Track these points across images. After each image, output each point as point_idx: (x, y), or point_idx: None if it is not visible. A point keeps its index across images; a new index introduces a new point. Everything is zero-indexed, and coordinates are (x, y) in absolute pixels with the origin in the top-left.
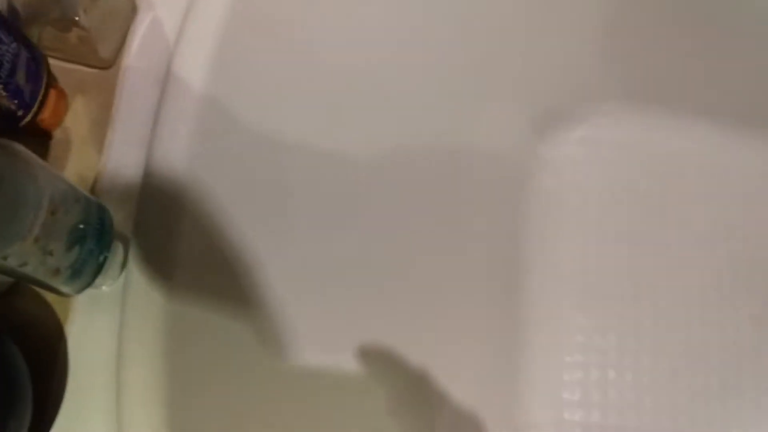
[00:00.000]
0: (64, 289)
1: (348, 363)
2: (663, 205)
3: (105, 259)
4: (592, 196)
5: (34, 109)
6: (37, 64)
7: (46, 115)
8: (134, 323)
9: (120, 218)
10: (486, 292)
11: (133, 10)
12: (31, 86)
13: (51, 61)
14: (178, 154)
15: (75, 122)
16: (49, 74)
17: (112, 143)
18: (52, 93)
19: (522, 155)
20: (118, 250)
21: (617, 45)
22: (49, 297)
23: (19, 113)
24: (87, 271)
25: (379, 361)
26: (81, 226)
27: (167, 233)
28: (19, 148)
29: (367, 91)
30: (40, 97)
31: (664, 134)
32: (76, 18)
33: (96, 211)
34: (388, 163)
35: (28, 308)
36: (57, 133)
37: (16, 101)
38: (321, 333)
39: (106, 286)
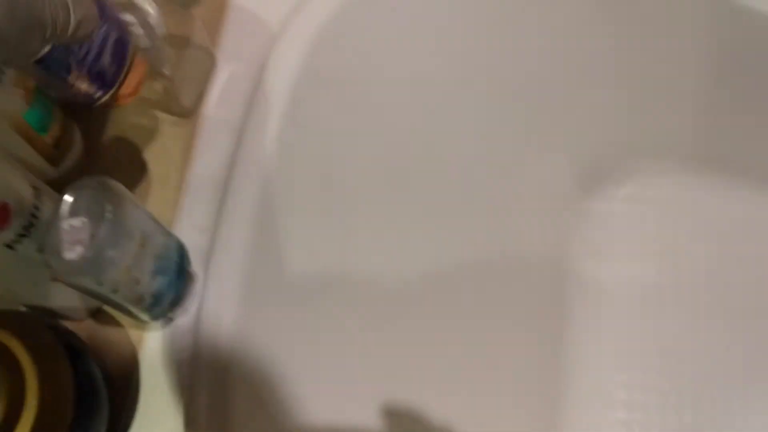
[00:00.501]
0: (143, 316)
1: (382, 419)
2: (706, 266)
3: (181, 291)
4: (635, 252)
5: (113, 90)
6: (124, 46)
7: (124, 92)
8: (205, 353)
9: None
10: (526, 348)
11: (214, 65)
12: (115, 68)
13: None
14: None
15: (155, 163)
16: (133, 54)
17: (188, 187)
18: (132, 72)
19: (567, 209)
20: (192, 284)
21: (665, 105)
22: (126, 323)
23: (98, 95)
24: (165, 300)
25: (413, 416)
26: (163, 259)
27: None
28: (117, 184)
29: (422, 146)
30: (121, 78)
31: (708, 195)
32: (164, 70)
33: (176, 247)
34: (435, 212)
35: (107, 332)
36: (137, 170)
37: (97, 84)
38: None
39: (179, 317)
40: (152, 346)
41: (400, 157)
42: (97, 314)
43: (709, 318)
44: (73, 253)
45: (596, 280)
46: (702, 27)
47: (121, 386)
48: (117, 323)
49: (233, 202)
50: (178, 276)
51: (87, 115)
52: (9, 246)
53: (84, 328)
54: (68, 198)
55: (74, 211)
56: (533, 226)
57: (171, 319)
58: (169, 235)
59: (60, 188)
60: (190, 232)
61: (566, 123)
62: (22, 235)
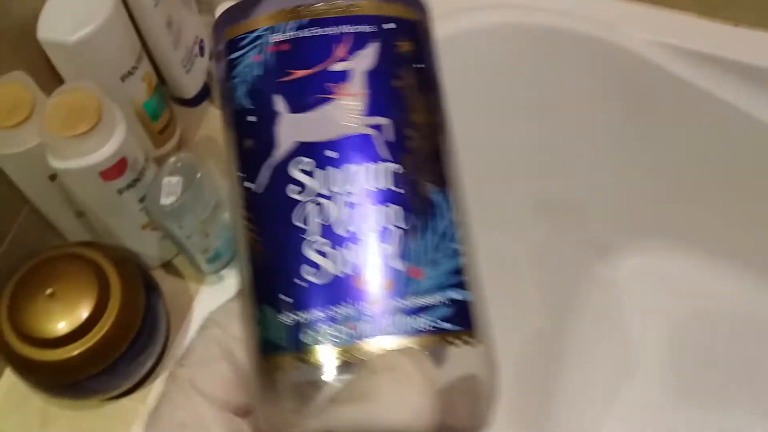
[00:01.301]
0: (203, 266)
1: None
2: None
3: (234, 255)
4: (634, 317)
5: None
6: None
7: None
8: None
9: None
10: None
11: None
12: None
13: None
14: None
15: None
16: None
17: None
18: None
19: (580, 270)
20: None
21: (680, 194)
22: (187, 275)
23: None
24: (223, 258)
25: None
26: (227, 223)
27: None
28: (208, 160)
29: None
30: None
31: (708, 275)
32: None
33: None
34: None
35: (172, 281)
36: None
37: None
38: None
39: (228, 279)
40: (204, 298)
41: None
42: (166, 266)
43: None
44: (167, 200)
45: (598, 332)
46: (712, 131)
47: (176, 324)
48: (180, 275)
49: None
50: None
51: (189, 114)
52: (119, 191)
53: (155, 274)
54: (172, 160)
55: (173, 171)
56: (552, 275)
57: (222, 277)
58: None
59: (158, 165)
60: None
61: (594, 200)
62: (130, 186)
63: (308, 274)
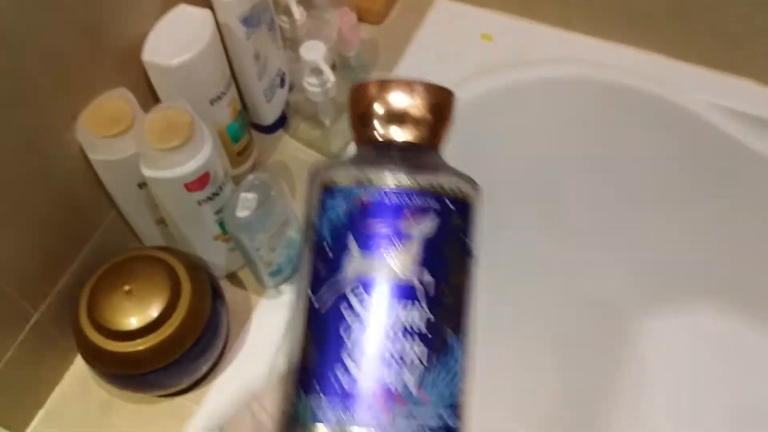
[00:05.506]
0: (266, 278)
1: None
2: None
3: (295, 271)
4: (675, 372)
5: None
6: None
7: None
8: None
9: None
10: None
11: None
12: None
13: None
14: None
15: (300, 182)
16: None
17: None
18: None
19: (631, 319)
20: None
21: (729, 253)
22: (249, 286)
23: None
24: (284, 272)
25: None
26: (293, 243)
27: None
28: (281, 181)
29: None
30: None
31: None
32: (325, 121)
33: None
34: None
35: (235, 291)
36: (288, 186)
37: None
38: None
39: (288, 294)
40: (263, 309)
41: None
42: (231, 277)
43: None
44: (242, 213)
45: (638, 383)
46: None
47: (235, 331)
48: (243, 287)
49: None
50: (298, 260)
51: (265, 140)
52: (199, 202)
53: (221, 284)
54: (250, 177)
55: (250, 188)
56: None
57: (280, 292)
58: (299, 228)
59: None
60: None
61: (645, 247)
62: (209, 198)
63: (341, 374)
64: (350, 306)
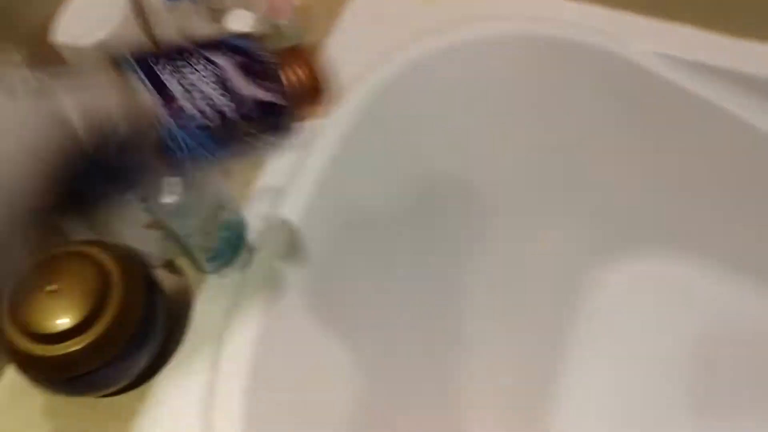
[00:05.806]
0: (203, 265)
1: None
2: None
3: (235, 254)
4: (632, 321)
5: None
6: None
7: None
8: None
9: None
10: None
11: None
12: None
13: None
14: None
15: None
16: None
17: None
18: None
19: (579, 274)
20: (244, 252)
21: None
22: (187, 274)
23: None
24: (222, 257)
25: None
26: (229, 226)
27: None
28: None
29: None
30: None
31: (706, 282)
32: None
33: (240, 221)
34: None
35: (173, 279)
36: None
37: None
38: None
39: (229, 278)
40: (204, 297)
41: (431, 196)
42: (169, 265)
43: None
44: (168, 199)
45: (593, 337)
46: (711, 138)
47: (176, 321)
48: (183, 275)
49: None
50: (236, 242)
51: None
52: None
53: (158, 273)
54: None
55: (174, 174)
56: (550, 277)
57: (222, 276)
58: (237, 212)
59: None
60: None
61: (597, 203)
62: None
63: None
64: None
